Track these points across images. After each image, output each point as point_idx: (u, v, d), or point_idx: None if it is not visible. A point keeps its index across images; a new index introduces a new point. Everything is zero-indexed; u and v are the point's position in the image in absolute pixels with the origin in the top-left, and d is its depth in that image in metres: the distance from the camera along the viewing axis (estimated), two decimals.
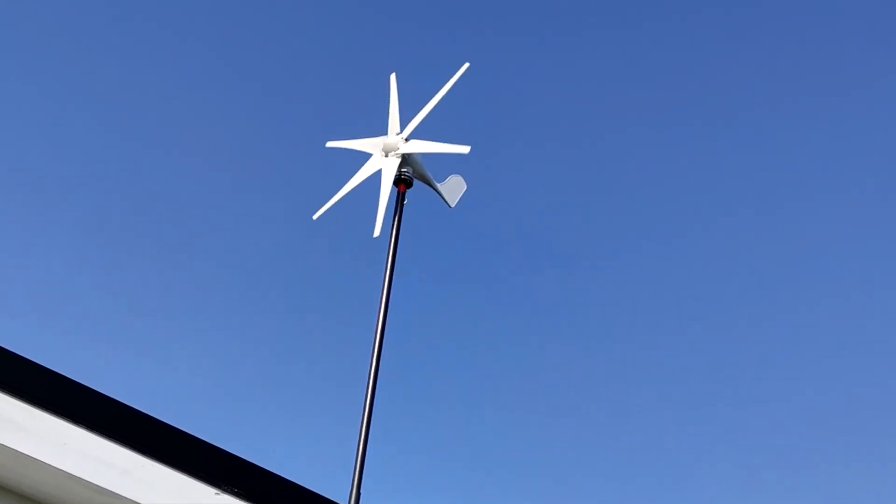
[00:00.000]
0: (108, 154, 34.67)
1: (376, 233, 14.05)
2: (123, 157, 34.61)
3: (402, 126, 15.13)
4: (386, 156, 14.70)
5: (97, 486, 5.24)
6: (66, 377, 5.77)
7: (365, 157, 15.28)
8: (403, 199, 14.58)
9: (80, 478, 5.20)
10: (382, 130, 15.48)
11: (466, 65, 15.40)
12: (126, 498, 5.31)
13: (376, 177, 14.89)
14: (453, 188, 15.36)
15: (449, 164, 15.36)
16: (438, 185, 15.23)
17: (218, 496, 5.46)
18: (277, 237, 34.56)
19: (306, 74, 35.60)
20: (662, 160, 36.10)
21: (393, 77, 15.77)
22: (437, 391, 32.98)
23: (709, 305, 35.44)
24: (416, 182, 14.82)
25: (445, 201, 15.28)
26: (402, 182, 14.60)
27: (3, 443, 5.03)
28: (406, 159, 14.70)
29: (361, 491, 12.85)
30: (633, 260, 35.60)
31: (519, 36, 35.41)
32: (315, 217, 15.12)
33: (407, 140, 14.88)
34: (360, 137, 15.51)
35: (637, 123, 36.08)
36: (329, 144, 15.84)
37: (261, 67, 35.52)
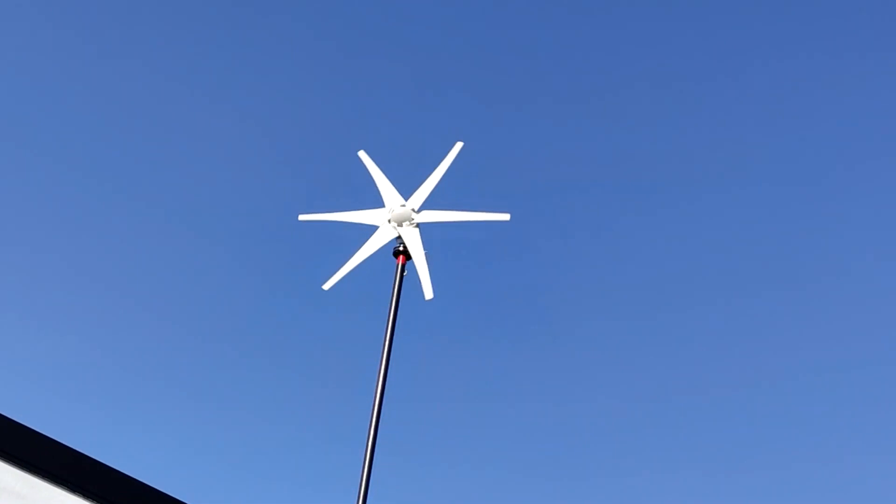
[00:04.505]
0: (116, 226, 35.04)
1: (328, 285, 14.97)
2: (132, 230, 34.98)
3: (424, 205, 15.35)
4: (399, 225, 15.07)
5: None
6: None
7: (344, 228, 15.72)
8: (403, 270, 14.87)
9: None
10: (354, 205, 15.81)
11: (506, 216, 15.39)
12: None
13: (381, 247, 15.26)
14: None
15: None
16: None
17: None
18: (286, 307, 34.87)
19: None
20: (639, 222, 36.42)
21: (363, 153, 16.02)
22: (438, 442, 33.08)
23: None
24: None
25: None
26: (401, 253, 14.93)
27: None
28: (400, 237, 15.06)
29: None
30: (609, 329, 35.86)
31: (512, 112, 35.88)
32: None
33: (418, 211, 15.25)
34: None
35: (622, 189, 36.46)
36: (361, 154, 16.03)
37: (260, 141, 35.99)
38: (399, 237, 15.17)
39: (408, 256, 15.05)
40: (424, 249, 15.08)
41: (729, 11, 37.32)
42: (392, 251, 15.17)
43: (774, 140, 36.96)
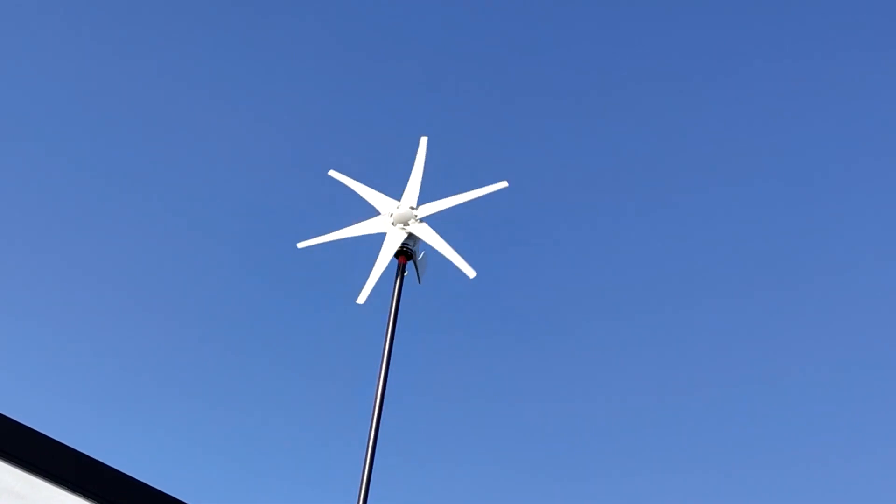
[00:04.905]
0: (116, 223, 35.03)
1: (361, 300, 14.19)
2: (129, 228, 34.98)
3: (419, 201, 15.19)
4: (394, 224, 14.88)
5: None
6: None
7: (360, 203, 15.51)
8: (404, 271, 14.78)
9: None
10: (387, 185, 15.64)
11: (504, 183, 15.39)
12: None
13: (375, 235, 15.12)
14: (423, 265, 15.25)
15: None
16: (417, 261, 15.18)
17: None
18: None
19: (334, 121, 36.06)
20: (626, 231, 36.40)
21: (423, 141, 15.69)
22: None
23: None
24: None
25: (418, 277, 15.09)
26: (402, 254, 14.84)
27: None
28: (411, 235, 14.88)
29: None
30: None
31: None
32: (300, 246, 15.12)
33: (420, 220, 15.03)
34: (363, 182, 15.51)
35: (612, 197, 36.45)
36: (332, 174, 15.80)
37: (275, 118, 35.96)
38: (410, 235, 14.95)
39: (408, 257, 14.95)
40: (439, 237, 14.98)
41: (728, 11, 37.33)
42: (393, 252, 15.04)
43: (774, 140, 36.97)
